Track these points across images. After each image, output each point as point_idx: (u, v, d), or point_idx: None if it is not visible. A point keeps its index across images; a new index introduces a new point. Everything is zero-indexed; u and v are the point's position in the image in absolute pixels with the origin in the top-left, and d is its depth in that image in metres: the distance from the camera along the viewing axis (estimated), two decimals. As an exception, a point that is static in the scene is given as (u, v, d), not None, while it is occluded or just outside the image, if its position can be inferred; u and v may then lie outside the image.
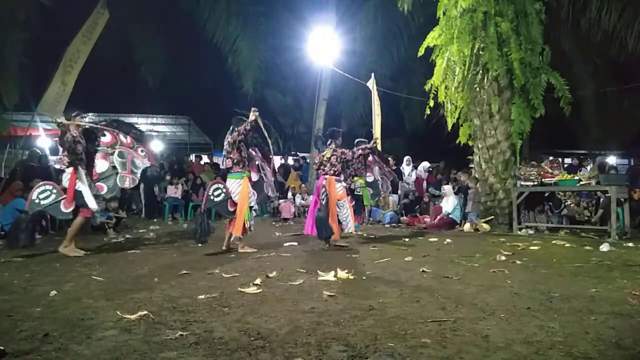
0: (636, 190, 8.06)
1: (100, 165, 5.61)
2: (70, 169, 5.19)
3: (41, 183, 5.37)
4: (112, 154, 5.69)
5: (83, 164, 5.30)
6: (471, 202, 9.03)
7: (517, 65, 7.91)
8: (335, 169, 6.01)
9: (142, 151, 6.01)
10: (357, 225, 7.30)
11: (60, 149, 5.25)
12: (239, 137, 5.41)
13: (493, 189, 8.72)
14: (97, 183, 5.50)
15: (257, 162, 5.96)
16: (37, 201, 5.15)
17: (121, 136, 5.85)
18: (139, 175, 5.86)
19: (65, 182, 5.21)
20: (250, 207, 5.53)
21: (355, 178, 7.19)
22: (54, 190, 5.22)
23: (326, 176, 5.97)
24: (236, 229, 5.40)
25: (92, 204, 5.17)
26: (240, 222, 5.37)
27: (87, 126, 5.60)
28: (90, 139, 5.53)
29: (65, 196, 5.18)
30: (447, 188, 9.55)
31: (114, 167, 5.65)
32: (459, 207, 9.17)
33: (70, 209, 5.19)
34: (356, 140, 7.31)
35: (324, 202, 5.84)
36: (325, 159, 6.06)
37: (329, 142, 6.19)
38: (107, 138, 5.74)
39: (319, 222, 5.69)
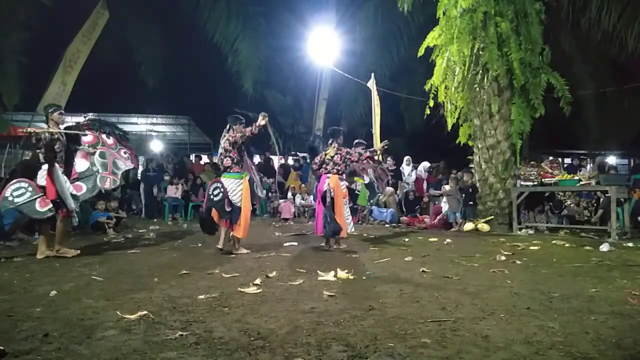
0: (636, 190, 8.06)
1: (80, 164, 5.37)
2: (46, 167, 4.97)
3: (16, 180, 5.11)
4: (94, 153, 5.47)
5: (61, 162, 5.09)
6: (454, 200, 9.09)
7: (517, 65, 7.91)
8: (339, 168, 5.99)
9: (124, 152, 5.81)
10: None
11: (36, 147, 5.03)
12: (242, 139, 5.32)
13: (493, 189, 8.73)
14: (76, 183, 5.25)
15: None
16: (10, 198, 4.90)
17: (103, 136, 5.65)
18: (120, 176, 5.65)
19: (42, 179, 4.99)
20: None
21: (356, 178, 7.20)
22: (29, 188, 4.97)
23: (329, 175, 5.93)
24: (242, 232, 5.33)
25: (70, 203, 4.96)
26: (245, 224, 5.33)
27: (67, 132, 5.32)
28: (71, 137, 5.33)
29: (41, 194, 4.96)
30: (446, 188, 9.55)
31: (95, 167, 5.42)
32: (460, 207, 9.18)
33: (47, 208, 4.94)
34: (355, 141, 7.31)
35: (330, 201, 5.77)
36: (328, 157, 6.02)
37: (330, 141, 6.15)
38: (88, 137, 5.52)
39: (327, 219, 5.62)
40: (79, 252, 5.13)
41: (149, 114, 17.27)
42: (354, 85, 13.40)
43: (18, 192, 4.95)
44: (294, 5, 15.07)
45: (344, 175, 6.20)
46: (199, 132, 18.43)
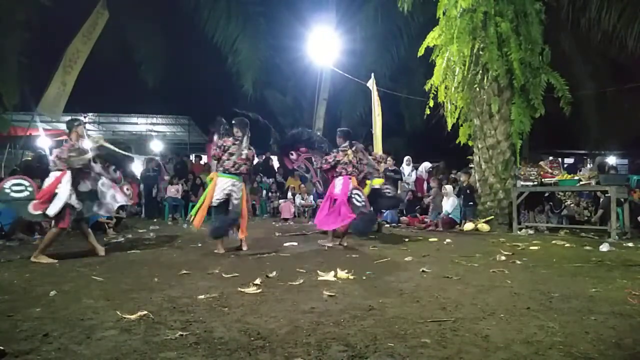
0: (636, 190, 8.06)
1: (84, 185, 5.24)
2: (58, 173, 4.89)
3: (19, 176, 5.10)
4: (99, 179, 5.40)
5: (71, 176, 4.98)
6: (438, 200, 9.16)
7: (517, 65, 7.91)
8: (357, 172, 6.13)
9: (127, 189, 5.90)
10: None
11: (59, 153, 4.96)
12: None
13: (493, 189, 8.73)
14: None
15: None
16: (7, 191, 4.81)
17: (110, 169, 5.78)
18: (115, 208, 5.65)
19: (48, 182, 4.90)
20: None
21: (381, 181, 7.30)
22: (30, 188, 4.88)
23: (350, 177, 6.00)
24: (244, 231, 5.61)
25: (53, 209, 4.78)
26: (244, 224, 5.60)
27: (109, 149, 5.50)
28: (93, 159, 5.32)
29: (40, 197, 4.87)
30: (448, 188, 9.57)
31: (96, 193, 5.35)
32: (459, 207, 9.19)
33: (38, 212, 4.81)
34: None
35: (363, 203, 5.86)
36: (347, 159, 6.03)
37: (347, 143, 6.18)
38: (98, 166, 5.47)
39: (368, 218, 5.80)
40: (55, 261, 4.80)
41: (149, 114, 17.28)
42: (354, 85, 13.40)
43: (18, 187, 4.87)
44: (294, 5, 15.08)
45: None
46: (199, 132, 18.44)
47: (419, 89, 10.63)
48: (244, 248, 5.59)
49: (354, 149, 6.14)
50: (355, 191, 5.86)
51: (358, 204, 5.78)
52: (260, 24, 14.01)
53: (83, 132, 5.25)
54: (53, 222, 4.97)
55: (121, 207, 9.07)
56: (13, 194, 4.85)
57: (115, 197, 5.51)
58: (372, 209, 6.05)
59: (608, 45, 9.84)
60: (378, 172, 7.28)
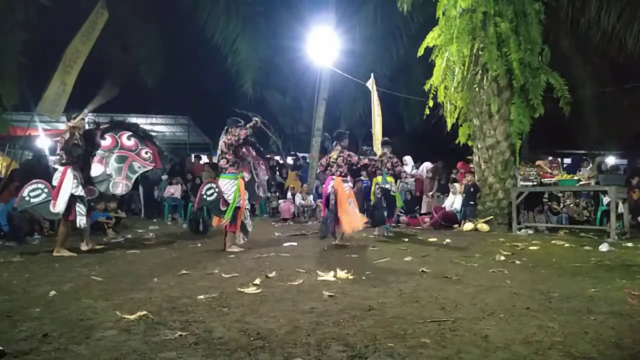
0: (635, 190, 8.07)
1: (95, 169, 5.63)
2: (62, 168, 5.20)
3: (34, 181, 5.34)
4: (109, 157, 5.71)
5: (77, 167, 5.33)
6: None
7: (516, 66, 7.92)
8: (342, 170, 6.15)
9: (146, 153, 6.00)
10: (387, 227, 7.40)
11: (59, 148, 5.26)
12: (238, 142, 5.50)
13: (492, 189, 8.73)
14: (89, 187, 5.52)
15: (249, 161, 5.98)
16: (27, 198, 5.15)
17: (123, 138, 5.84)
18: (133, 181, 5.87)
19: (55, 180, 5.20)
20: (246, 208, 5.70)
21: (390, 179, 7.31)
22: (45, 190, 5.20)
23: (333, 177, 6.08)
24: (236, 228, 5.57)
25: (59, 207, 5.11)
26: (239, 221, 5.56)
27: (97, 128, 5.67)
28: (89, 142, 5.52)
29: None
30: (457, 186, 9.60)
31: (108, 172, 5.69)
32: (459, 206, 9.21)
33: (59, 210, 5.14)
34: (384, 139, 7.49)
35: (333, 202, 5.97)
36: (332, 160, 6.18)
37: (334, 143, 6.30)
38: (107, 142, 5.75)
39: (326, 220, 5.93)
40: (74, 254, 5.17)
41: (149, 114, 17.24)
42: (354, 85, 13.39)
43: (35, 192, 5.18)
44: (294, 5, 15.06)
45: (348, 176, 6.37)
46: (199, 132, 18.41)
47: (418, 89, 10.62)
48: (228, 247, 5.55)
49: (337, 148, 6.22)
50: (330, 189, 6.05)
51: (333, 202, 5.96)
52: (260, 24, 13.98)
53: (80, 123, 5.43)
54: (62, 217, 5.22)
55: (120, 208, 9.12)
56: (32, 200, 5.16)
57: (132, 167, 5.81)
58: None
59: (608, 45, 9.82)
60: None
